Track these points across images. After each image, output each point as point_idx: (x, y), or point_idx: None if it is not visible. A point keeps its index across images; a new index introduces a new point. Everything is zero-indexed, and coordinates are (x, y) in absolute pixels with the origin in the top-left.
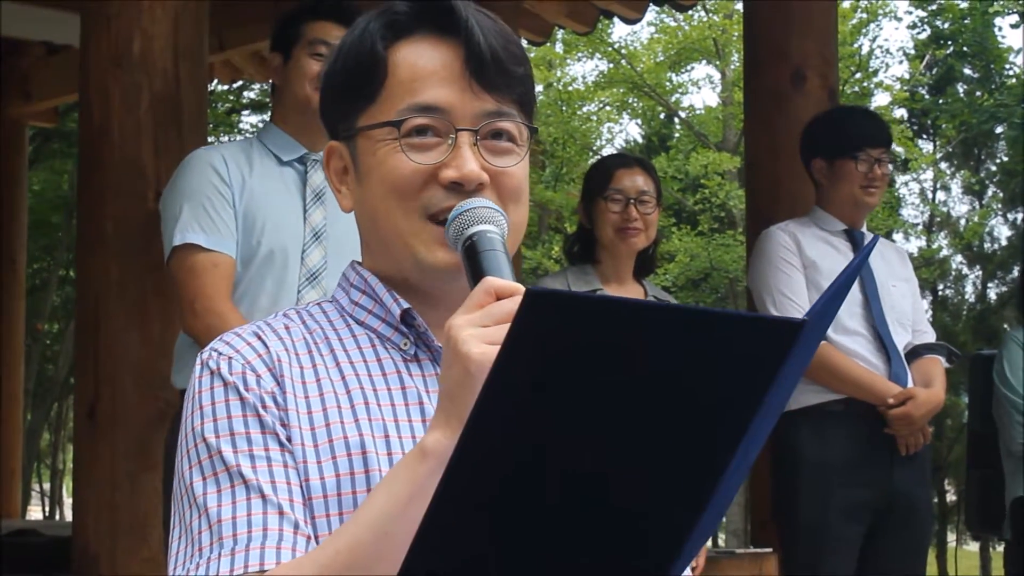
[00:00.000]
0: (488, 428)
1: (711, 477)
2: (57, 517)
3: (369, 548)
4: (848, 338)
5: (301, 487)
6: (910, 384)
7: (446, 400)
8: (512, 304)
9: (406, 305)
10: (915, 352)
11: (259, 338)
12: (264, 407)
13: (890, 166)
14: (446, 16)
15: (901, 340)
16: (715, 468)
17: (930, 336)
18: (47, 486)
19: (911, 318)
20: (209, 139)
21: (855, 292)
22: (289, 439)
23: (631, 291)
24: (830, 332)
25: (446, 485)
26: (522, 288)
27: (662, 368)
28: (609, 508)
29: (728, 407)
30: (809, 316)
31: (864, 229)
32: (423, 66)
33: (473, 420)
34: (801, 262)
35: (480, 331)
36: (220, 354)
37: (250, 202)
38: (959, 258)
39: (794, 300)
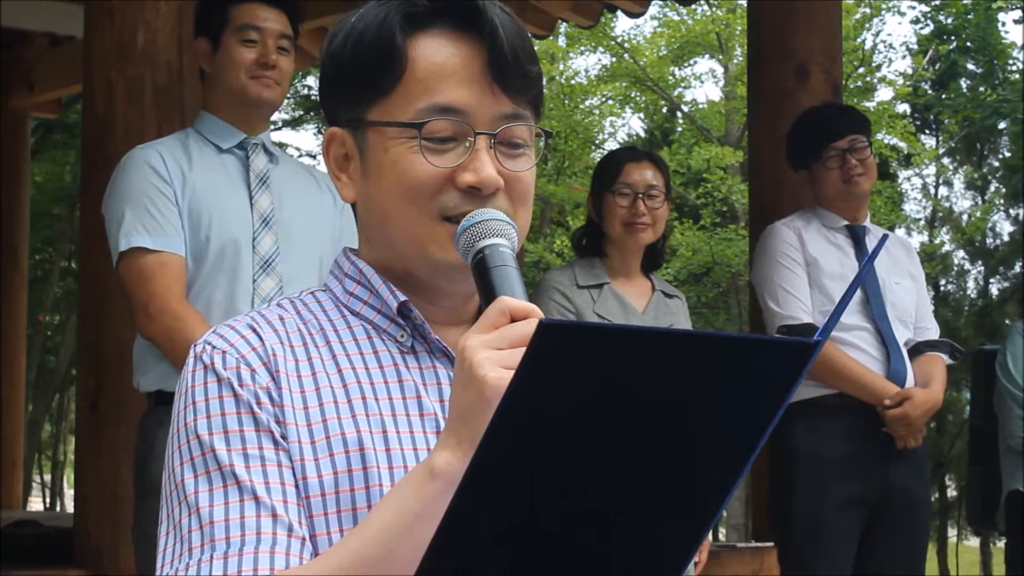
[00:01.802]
0: (499, 455)
1: (721, 493)
2: (58, 508)
3: (373, 565)
4: (848, 334)
5: (296, 487)
6: (910, 381)
7: (458, 422)
8: (527, 327)
9: (403, 297)
10: (917, 349)
11: (254, 330)
12: (259, 404)
13: (869, 148)
14: (470, 14)
15: (902, 337)
16: (726, 484)
17: (933, 333)
18: (48, 477)
19: (913, 315)
20: None
21: None
22: (284, 436)
23: (638, 285)
24: None
25: (455, 509)
26: (537, 309)
27: (675, 393)
28: (619, 531)
29: (741, 425)
30: (821, 336)
31: (868, 223)
32: (442, 64)
33: (484, 448)
34: (804, 258)
35: (496, 354)
36: (214, 348)
37: (193, 197)
38: (961, 253)
39: (796, 296)
